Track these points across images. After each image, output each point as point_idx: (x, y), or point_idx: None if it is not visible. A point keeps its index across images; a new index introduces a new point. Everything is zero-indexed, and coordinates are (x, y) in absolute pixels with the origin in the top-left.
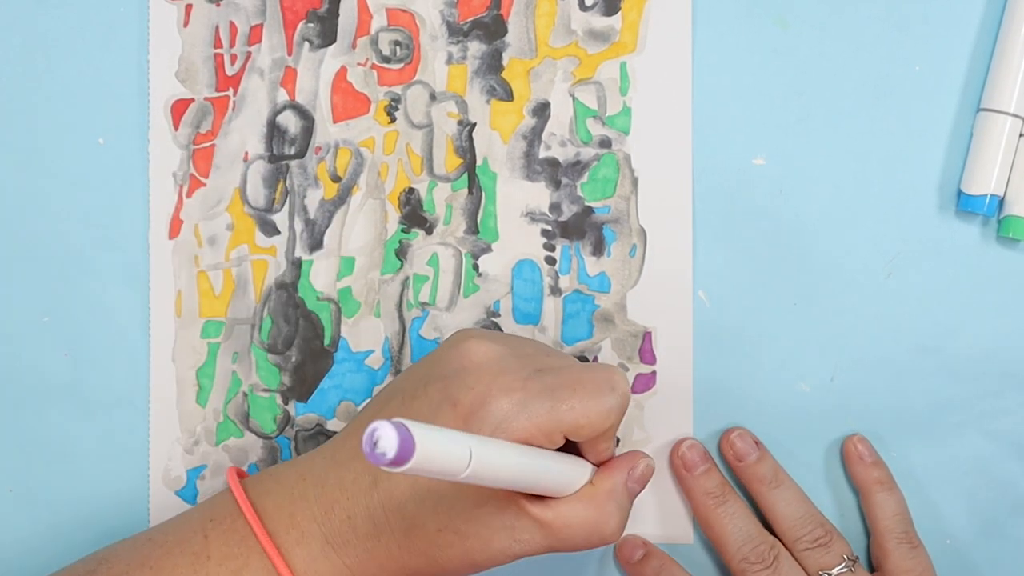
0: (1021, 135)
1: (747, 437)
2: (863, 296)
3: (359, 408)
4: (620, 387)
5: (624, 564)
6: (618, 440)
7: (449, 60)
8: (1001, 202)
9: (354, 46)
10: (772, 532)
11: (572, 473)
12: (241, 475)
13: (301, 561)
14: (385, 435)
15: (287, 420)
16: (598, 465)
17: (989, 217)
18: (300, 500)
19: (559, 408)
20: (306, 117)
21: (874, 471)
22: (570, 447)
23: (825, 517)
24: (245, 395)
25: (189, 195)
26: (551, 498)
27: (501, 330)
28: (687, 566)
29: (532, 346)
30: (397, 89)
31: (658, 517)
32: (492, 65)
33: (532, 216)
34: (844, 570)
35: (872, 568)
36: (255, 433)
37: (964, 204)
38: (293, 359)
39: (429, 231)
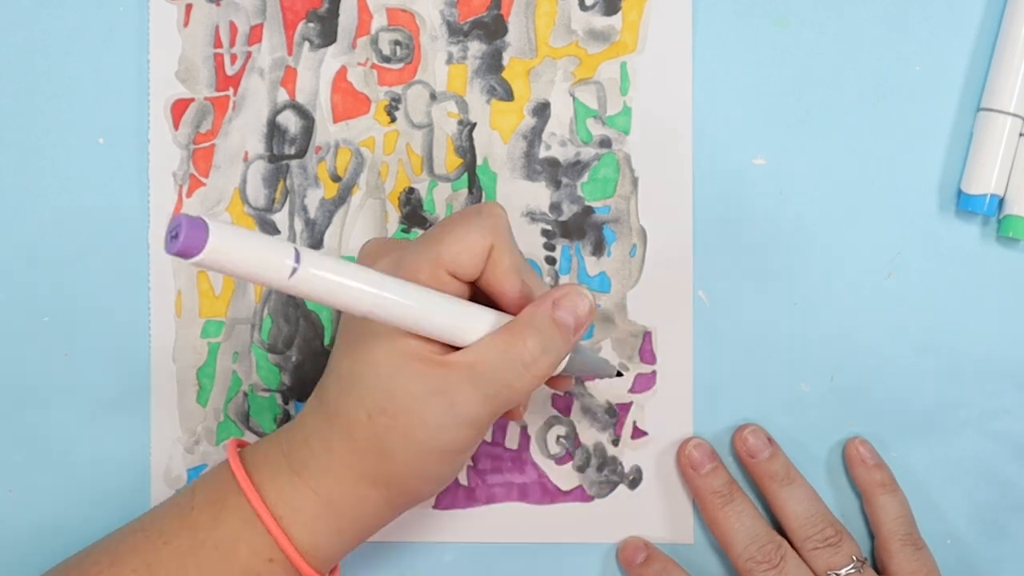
0: (1021, 135)
1: (760, 433)
2: (863, 296)
3: None
4: (488, 209)
5: (626, 567)
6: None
7: (449, 60)
8: (1001, 202)
9: (354, 46)
10: (780, 531)
11: (471, 313)
12: (242, 445)
13: (271, 493)
14: (178, 223)
15: (287, 420)
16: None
17: (989, 217)
18: (274, 441)
19: (432, 248)
20: (306, 117)
21: (876, 473)
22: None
23: (835, 517)
24: (245, 395)
25: (189, 195)
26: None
27: None
28: (688, 567)
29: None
30: (397, 89)
31: (659, 518)
32: (492, 65)
33: (532, 216)
34: (853, 571)
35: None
36: (255, 433)
37: (964, 204)
38: (293, 359)
39: None
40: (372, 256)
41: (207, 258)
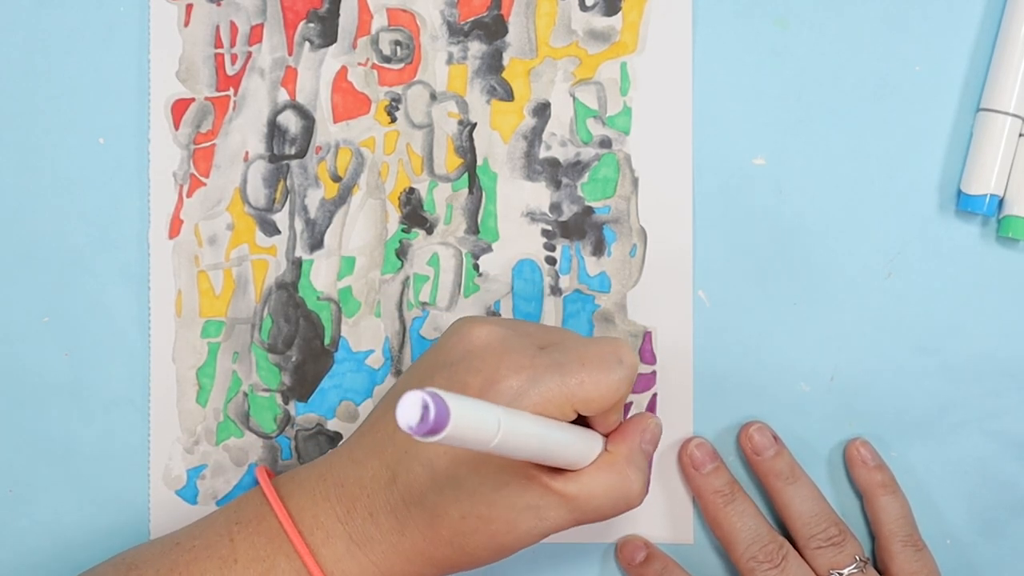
0: (1021, 135)
1: (766, 431)
2: (863, 296)
3: (360, 407)
4: (627, 359)
5: (626, 566)
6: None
7: (449, 60)
8: (1001, 202)
9: (355, 46)
10: (783, 530)
11: (588, 443)
12: (269, 474)
13: (328, 561)
14: (421, 404)
15: (287, 420)
16: (607, 435)
17: (989, 217)
18: (323, 501)
19: (569, 382)
20: (306, 117)
21: (877, 475)
22: (579, 420)
23: (839, 516)
24: (245, 395)
25: (189, 195)
26: (570, 472)
27: None
28: (688, 567)
29: (533, 326)
30: (398, 89)
31: (659, 518)
32: (492, 65)
33: (532, 216)
34: (855, 570)
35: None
36: (255, 433)
37: (964, 204)
38: (293, 359)
39: (429, 231)
40: (497, 357)
41: (450, 433)
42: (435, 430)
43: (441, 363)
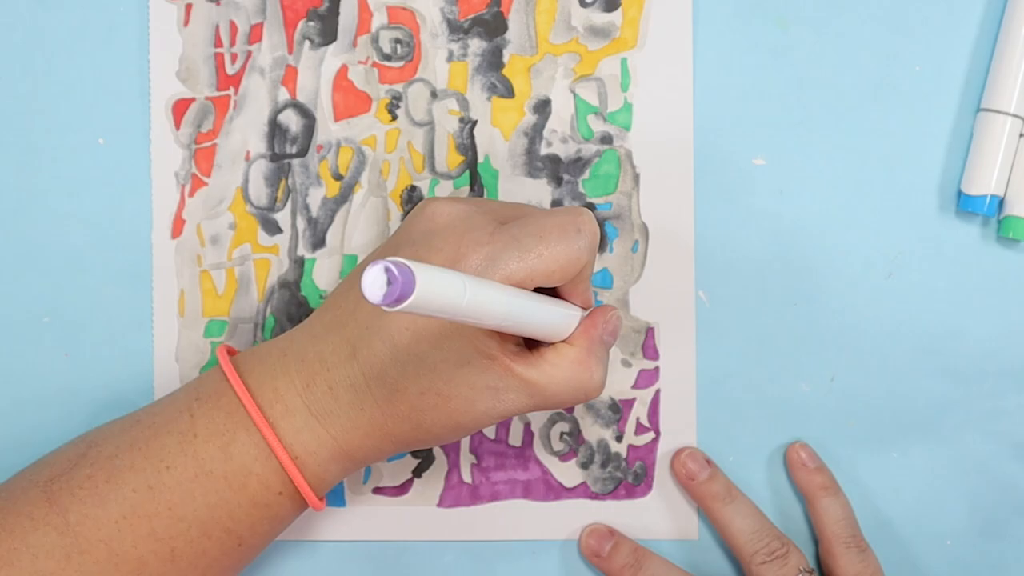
0: (1021, 135)
1: (698, 456)
2: (863, 296)
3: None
4: (586, 227)
5: (592, 558)
6: None
7: (450, 57)
8: (1001, 202)
9: (355, 44)
10: (727, 550)
11: (561, 313)
12: (232, 352)
13: (287, 433)
14: (386, 273)
15: None
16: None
17: (989, 217)
18: (283, 375)
19: (527, 257)
20: (307, 116)
21: (817, 477)
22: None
23: (780, 530)
24: None
25: (191, 194)
26: (533, 357)
27: None
28: (692, 564)
29: (496, 203)
30: (398, 87)
31: (663, 514)
32: (493, 62)
33: None
34: None
35: None
36: None
37: (964, 204)
38: None
39: None
40: (458, 235)
41: (416, 302)
42: (401, 298)
43: (404, 242)
